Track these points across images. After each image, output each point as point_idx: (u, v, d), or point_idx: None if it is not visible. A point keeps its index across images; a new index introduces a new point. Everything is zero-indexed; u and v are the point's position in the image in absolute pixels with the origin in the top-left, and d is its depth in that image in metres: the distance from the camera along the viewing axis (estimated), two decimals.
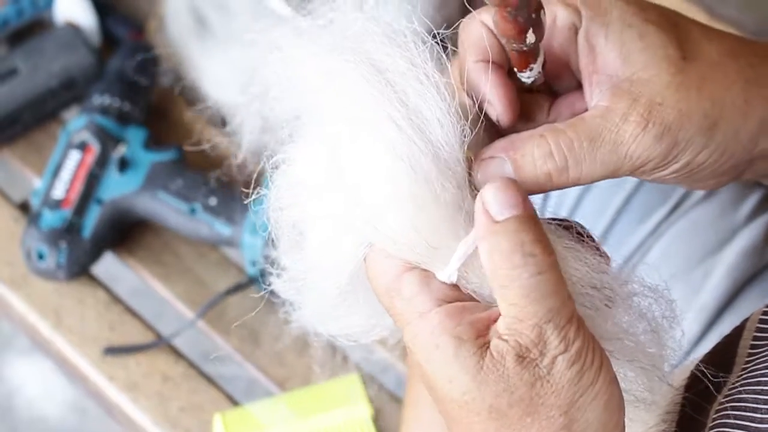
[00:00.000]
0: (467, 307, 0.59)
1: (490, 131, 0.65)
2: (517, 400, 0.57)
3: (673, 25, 0.65)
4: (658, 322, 0.63)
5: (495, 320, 0.59)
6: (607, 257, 0.63)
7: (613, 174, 0.64)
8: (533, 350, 0.57)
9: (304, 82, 0.63)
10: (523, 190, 0.59)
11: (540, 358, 0.57)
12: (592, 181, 0.64)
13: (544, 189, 0.64)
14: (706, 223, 0.97)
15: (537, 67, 0.64)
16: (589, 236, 0.63)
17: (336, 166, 0.61)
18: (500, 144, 0.63)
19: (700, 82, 0.64)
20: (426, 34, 0.64)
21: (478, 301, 0.61)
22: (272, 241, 0.66)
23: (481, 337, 0.58)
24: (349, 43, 0.63)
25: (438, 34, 0.64)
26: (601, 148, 0.63)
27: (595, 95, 0.65)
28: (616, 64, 0.64)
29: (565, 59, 0.66)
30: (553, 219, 0.63)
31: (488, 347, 0.58)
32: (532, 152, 0.63)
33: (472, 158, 0.63)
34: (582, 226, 0.63)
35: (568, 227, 0.63)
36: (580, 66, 0.66)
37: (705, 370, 0.67)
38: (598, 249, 0.63)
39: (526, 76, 0.65)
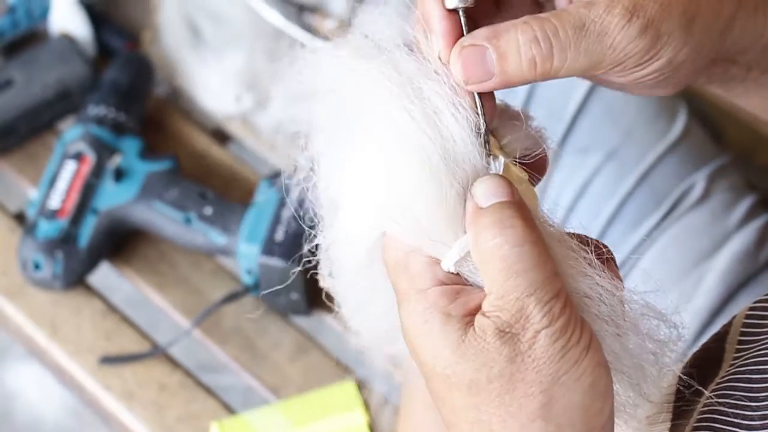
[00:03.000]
0: (465, 290, 0.60)
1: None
2: (496, 375, 0.57)
3: None
4: (661, 344, 0.63)
5: None
6: (620, 280, 0.62)
7: (595, 67, 0.64)
8: (515, 325, 0.57)
9: (329, 84, 0.64)
10: (511, 184, 0.60)
11: (522, 332, 0.57)
12: (574, 74, 0.64)
13: (527, 79, 0.63)
14: (698, 229, 0.98)
15: None
16: (611, 257, 0.63)
17: (360, 154, 0.62)
18: (482, 32, 0.62)
19: None
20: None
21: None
22: (313, 226, 0.68)
23: (469, 315, 0.58)
24: (363, 48, 0.64)
25: None
26: (586, 37, 0.62)
27: None
28: None
29: None
30: (573, 233, 0.63)
31: (473, 324, 0.58)
32: (516, 39, 0.62)
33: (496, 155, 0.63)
34: (604, 245, 0.63)
35: (586, 243, 0.63)
36: None
37: (695, 366, 0.68)
38: (614, 269, 0.62)
39: None
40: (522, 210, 0.59)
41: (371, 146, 0.62)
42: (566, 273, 0.61)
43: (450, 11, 0.63)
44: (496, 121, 0.64)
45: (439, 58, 0.63)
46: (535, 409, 0.57)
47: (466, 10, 0.63)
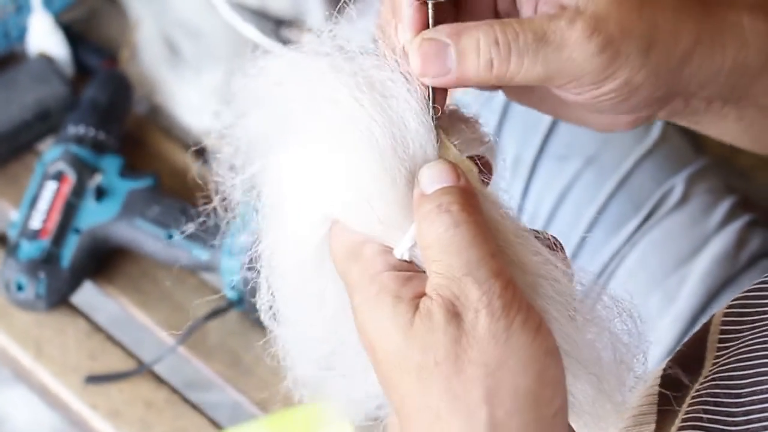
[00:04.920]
0: (417, 276, 0.60)
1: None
2: (443, 357, 0.56)
3: None
4: (620, 338, 0.63)
5: None
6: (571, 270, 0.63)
7: (551, 77, 0.64)
8: (457, 304, 0.57)
9: (277, 78, 0.65)
10: (458, 169, 0.61)
11: (464, 312, 0.57)
12: (531, 82, 0.65)
13: (482, 79, 0.64)
14: (678, 232, 0.99)
15: None
16: (562, 249, 0.63)
17: (306, 144, 0.63)
18: (445, 28, 0.63)
19: (639, 4, 0.65)
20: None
21: None
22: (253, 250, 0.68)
23: (418, 298, 0.58)
24: (317, 47, 0.65)
25: None
26: (545, 46, 0.63)
27: (540, 8, 0.66)
28: None
29: None
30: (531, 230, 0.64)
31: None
32: (477, 38, 0.63)
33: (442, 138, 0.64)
34: (556, 239, 0.64)
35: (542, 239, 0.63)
36: None
37: (677, 366, 0.68)
38: (565, 257, 0.63)
39: None
40: (463, 194, 0.59)
41: (319, 135, 0.62)
42: (517, 253, 0.61)
43: (420, 3, 0.64)
44: (446, 121, 0.65)
45: (403, 49, 0.64)
46: (481, 393, 0.56)
47: (435, 5, 0.64)
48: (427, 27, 0.64)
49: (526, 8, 0.67)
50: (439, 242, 0.58)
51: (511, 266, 0.60)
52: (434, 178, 0.60)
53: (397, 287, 0.59)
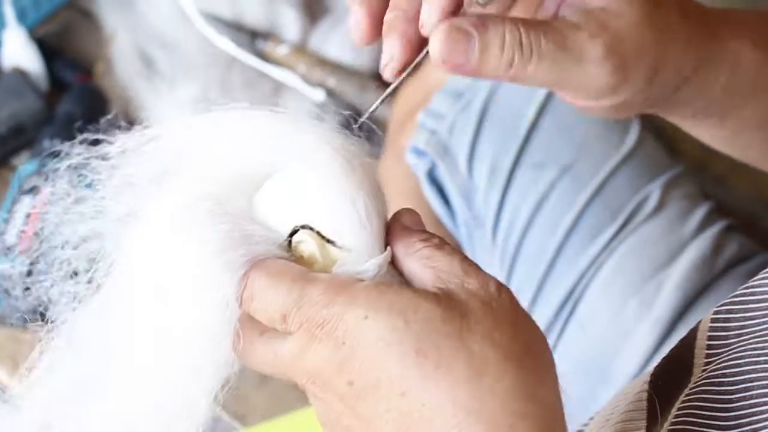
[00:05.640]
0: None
1: None
2: (500, 305, 0.57)
3: None
4: None
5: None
6: None
7: (561, 84, 0.66)
8: (466, 284, 0.57)
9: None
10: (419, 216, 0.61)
11: (478, 288, 0.57)
12: (539, 85, 0.66)
13: (498, 77, 0.65)
14: (655, 238, 0.99)
15: None
16: None
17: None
18: (472, 19, 0.64)
19: (656, 28, 0.67)
20: None
21: None
22: None
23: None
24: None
25: None
26: (564, 56, 0.65)
27: (564, 11, 0.67)
28: None
29: None
30: None
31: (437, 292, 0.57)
32: (503, 36, 0.64)
33: None
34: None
35: None
36: None
37: (665, 373, 0.68)
38: None
39: None
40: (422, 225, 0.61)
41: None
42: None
43: None
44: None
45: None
46: (526, 342, 0.57)
47: None
48: (456, 13, 0.64)
49: (549, 2, 0.68)
50: (444, 252, 0.58)
51: None
52: (415, 219, 0.60)
53: (388, 280, 0.58)
